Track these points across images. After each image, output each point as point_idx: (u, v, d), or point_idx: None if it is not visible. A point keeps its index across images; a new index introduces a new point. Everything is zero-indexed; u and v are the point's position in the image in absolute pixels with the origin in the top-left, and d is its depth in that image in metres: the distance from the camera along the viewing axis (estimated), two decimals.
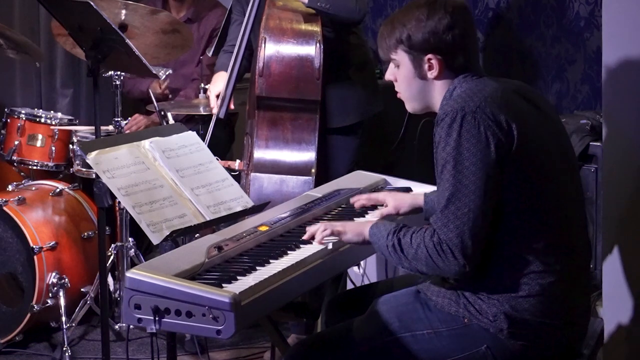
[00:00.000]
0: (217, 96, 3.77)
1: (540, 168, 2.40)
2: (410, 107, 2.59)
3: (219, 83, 3.79)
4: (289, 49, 3.57)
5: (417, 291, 2.53)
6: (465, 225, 2.31)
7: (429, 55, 2.47)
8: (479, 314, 2.40)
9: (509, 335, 2.38)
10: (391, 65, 2.56)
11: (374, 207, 2.93)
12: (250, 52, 3.74)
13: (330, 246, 2.56)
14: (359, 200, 2.89)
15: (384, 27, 2.54)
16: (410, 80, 2.52)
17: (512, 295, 2.37)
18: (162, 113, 4.13)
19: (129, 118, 4.58)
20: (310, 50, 3.57)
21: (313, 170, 3.59)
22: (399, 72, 2.53)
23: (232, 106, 3.73)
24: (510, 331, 2.38)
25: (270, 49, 3.57)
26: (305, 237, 2.61)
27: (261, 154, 3.61)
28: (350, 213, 2.89)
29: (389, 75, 2.58)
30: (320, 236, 2.58)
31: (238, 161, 3.73)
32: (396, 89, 2.58)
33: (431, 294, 2.48)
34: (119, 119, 3.98)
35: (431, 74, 2.48)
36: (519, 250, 2.37)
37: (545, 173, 2.41)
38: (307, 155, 3.61)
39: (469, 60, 2.50)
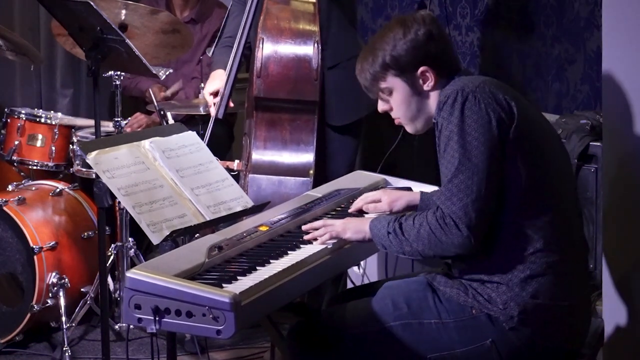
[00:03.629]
0: (213, 95, 3.74)
1: (539, 145, 2.45)
2: (413, 128, 2.61)
3: (216, 81, 3.77)
4: (286, 49, 3.57)
5: (427, 280, 2.55)
6: (468, 198, 2.35)
7: (422, 69, 2.51)
8: (488, 303, 2.41)
9: (519, 322, 2.39)
10: (381, 96, 2.57)
11: None
12: (250, 51, 3.74)
13: (330, 245, 2.56)
14: (355, 205, 2.86)
15: (364, 58, 2.56)
16: (409, 101, 2.55)
17: (520, 277, 2.39)
18: (162, 113, 4.13)
19: (129, 118, 4.58)
20: (308, 50, 3.57)
21: (311, 172, 3.58)
22: (394, 98, 2.55)
23: (231, 104, 3.72)
24: (521, 317, 2.39)
25: (268, 49, 3.56)
26: (305, 227, 2.64)
27: (259, 155, 3.61)
28: (349, 213, 2.89)
29: (382, 107, 2.60)
30: (320, 241, 2.60)
31: (237, 161, 3.73)
32: (393, 116, 2.60)
33: (439, 284, 2.50)
34: (119, 119, 3.98)
35: (427, 86, 2.52)
36: (522, 228, 2.40)
37: (544, 151, 2.46)
38: (305, 156, 3.61)
39: (455, 62, 2.56)
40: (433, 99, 2.53)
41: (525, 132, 2.41)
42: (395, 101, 2.55)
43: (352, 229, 2.57)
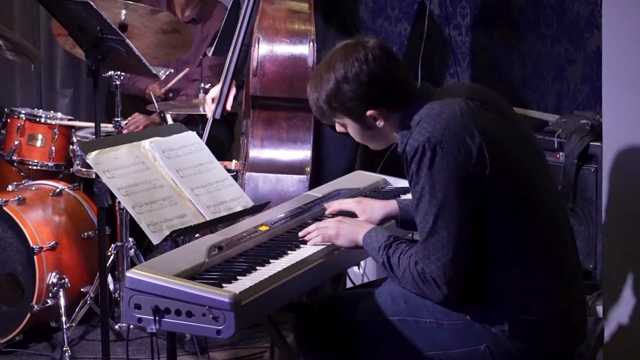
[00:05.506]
0: (213, 100, 3.77)
1: (517, 177, 2.39)
2: (373, 146, 2.59)
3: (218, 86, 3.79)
4: (282, 48, 3.58)
5: None
6: (446, 257, 2.31)
7: (369, 112, 2.45)
8: (481, 314, 2.40)
9: (510, 335, 2.38)
10: (336, 121, 2.54)
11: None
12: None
13: (323, 246, 2.56)
14: (331, 207, 2.83)
15: (311, 89, 2.50)
16: (363, 133, 2.52)
17: (512, 297, 2.38)
18: (162, 115, 4.14)
19: (129, 118, 4.58)
20: (304, 49, 3.58)
21: (308, 169, 3.59)
22: (347, 127, 2.53)
23: (228, 107, 3.73)
24: (513, 331, 2.38)
25: (264, 48, 3.57)
26: (300, 234, 2.63)
27: (256, 153, 3.62)
28: (349, 213, 2.89)
29: (339, 129, 2.56)
30: (312, 242, 2.59)
31: (234, 161, 3.74)
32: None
33: None
34: (119, 119, 3.98)
35: (379, 124, 2.47)
36: (512, 254, 2.37)
37: (524, 180, 2.40)
38: (302, 154, 3.62)
39: (405, 94, 2.46)
40: (390, 128, 2.47)
41: (500, 172, 2.34)
42: (350, 130, 2.53)
43: (344, 236, 2.56)
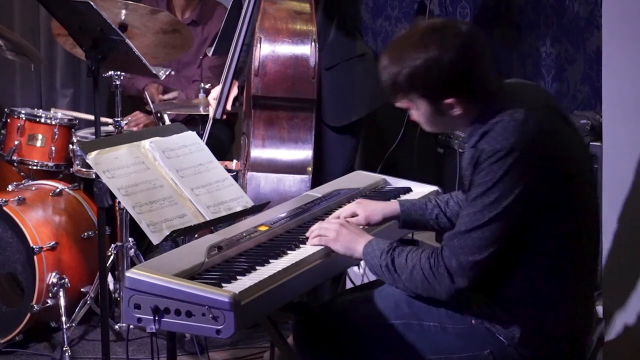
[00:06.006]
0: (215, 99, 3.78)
1: (578, 201, 2.35)
2: (431, 129, 2.48)
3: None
4: (284, 48, 3.58)
5: None
6: (479, 256, 2.28)
7: (449, 100, 2.35)
8: (491, 319, 2.39)
9: (519, 343, 2.37)
10: (405, 100, 2.41)
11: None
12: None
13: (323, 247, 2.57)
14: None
15: (391, 62, 2.36)
16: (432, 118, 2.41)
17: (528, 305, 2.36)
18: (159, 115, 4.14)
19: (130, 115, 4.58)
20: (306, 49, 3.58)
21: (309, 169, 3.60)
22: (415, 108, 2.41)
23: (228, 107, 3.74)
24: (523, 340, 2.37)
25: (266, 48, 3.58)
26: (307, 234, 2.62)
27: (258, 153, 3.62)
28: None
29: (400, 105, 2.43)
30: (310, 243, 2.59)
31: (235, 161, 3.74)
32: (410, 115, 2.46)
33: None
34: (119, 119, 3.98)
35: (454, 113, 2.37)
36: (533, 265, 2.35)
37: (582, 205, 2.38)
38: (303, 153, 3.62)
39: (490, 87, 2.38)
40: (462, 118, 2.38)
41: (568, 191, 2.31)
42: (416, 112, 2.42)
43: (342, 242, 2.53)
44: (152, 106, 4.14)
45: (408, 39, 2.38)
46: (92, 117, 3.84)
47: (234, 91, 3.79)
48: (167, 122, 4.12)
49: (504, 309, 2.38)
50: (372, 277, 3.87)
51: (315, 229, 2.61)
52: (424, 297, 2.44)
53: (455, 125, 2.48)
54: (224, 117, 3.76)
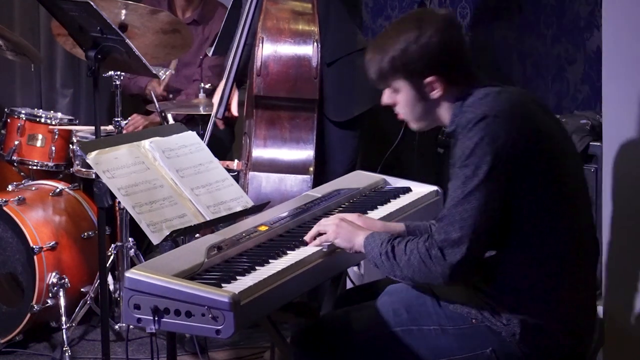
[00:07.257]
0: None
1: (558, 173, 2.38)
2: (416, 126, 2.55)
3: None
4: (286, 48, 3.59)
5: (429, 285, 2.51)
6: (469, 229, 2.29)
7: (429, 79, 2.43)
8: (492, 317, 2.39)
9: (521, 339, 2.37)
10: (388, 91, 2.51)
11: (374, 207, 2.92)
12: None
13: (325, 249, 2.56)
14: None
15: (374, 53, 2.48)
16: (414, 104, 2.48)
17: (528, 298, 2.37)
18: (163, 115, 4.13)
19: (129, 119, 4.58)
20: (308, 49, 3.59)
21: (311, 169, 3.60)
22: (399, 97, 2.49)
23: (235, 113, 3.74)
24: (523, 335, 2.37)
25: (268, 48, 3.58)
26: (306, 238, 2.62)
27: (259, 153, 3.62)
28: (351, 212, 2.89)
29: (386, 100, 2.53)
30: (308, 237, 2.59)
31: (236, 161, 3.74)
32: (396, 111, 2.53)
33: (441, 292, 2.48)
34: (119, 119, 3.98)
35: (434, 95, 2.45)
36: (531, 253, 2.36)
37: (563, 178, 2.40)
38: (305, 153, 3.62)
39: (469, 70, 2.47)
40: (443, 105, 2.46)
41: (546, 161, 2.34)
42: (400, 101, 2.49)
43: (343, 236, 2.54)
44: (157, 105, 4.14)
45: (389, 31, 2.52)
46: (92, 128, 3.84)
47: (236, 95, 3.79)
48: (171, 120, 4.12)
49: (503, 305, 2.38)
50: (372, 278, 3.88)
51: (314, 232, 2.60)
52: (423, 299, 2.46)
53: (437, 114, 2.49)
54: (235, 114, 3.75)
